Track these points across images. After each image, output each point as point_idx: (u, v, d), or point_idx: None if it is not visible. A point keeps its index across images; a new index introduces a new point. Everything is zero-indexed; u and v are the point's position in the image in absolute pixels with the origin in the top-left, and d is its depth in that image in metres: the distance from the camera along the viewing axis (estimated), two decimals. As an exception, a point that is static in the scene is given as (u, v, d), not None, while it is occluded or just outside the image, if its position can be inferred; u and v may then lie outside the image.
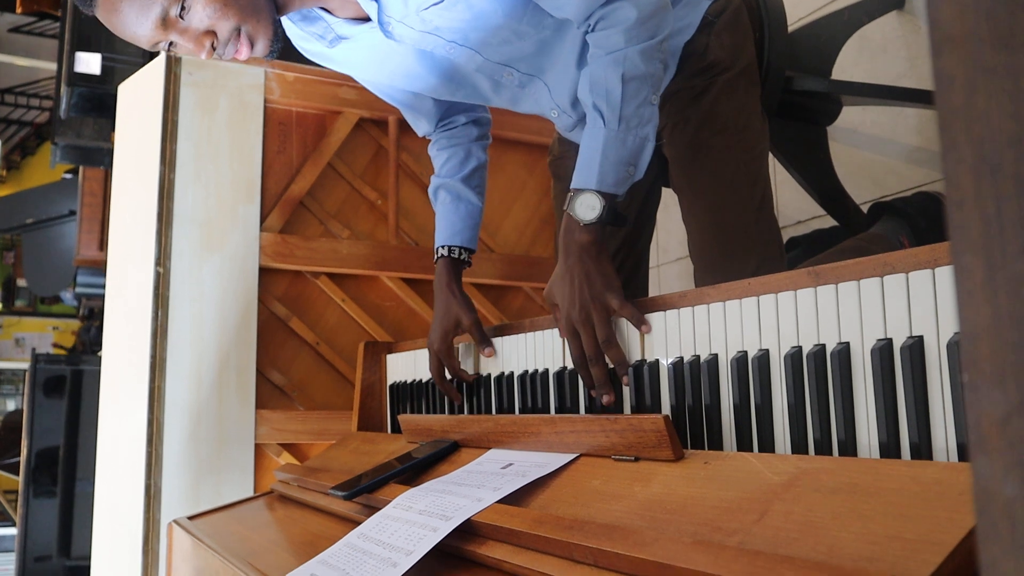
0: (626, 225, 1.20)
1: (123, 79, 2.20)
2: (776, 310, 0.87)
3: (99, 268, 4.87)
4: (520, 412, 1.28)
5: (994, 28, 0.27)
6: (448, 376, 1.45)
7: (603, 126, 1.12)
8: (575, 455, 0.93)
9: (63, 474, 3.82)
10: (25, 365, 5.76)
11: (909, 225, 1.67)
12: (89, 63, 3.48)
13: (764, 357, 0.87)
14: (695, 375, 0.95)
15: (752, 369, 0.88)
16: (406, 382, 1.65)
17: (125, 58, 3.51)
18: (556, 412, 1.20)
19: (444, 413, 1.49)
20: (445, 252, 1.50)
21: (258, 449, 1.98)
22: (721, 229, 1.31)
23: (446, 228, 1.52)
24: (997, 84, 0.27)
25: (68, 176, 5.92)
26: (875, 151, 2.01)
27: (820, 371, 0.81)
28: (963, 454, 0.69)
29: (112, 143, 2.78)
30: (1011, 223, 0.27)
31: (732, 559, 0.57)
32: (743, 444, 0.89)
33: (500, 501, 0.86)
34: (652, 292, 1.53)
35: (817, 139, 1.81)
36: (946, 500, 0.56)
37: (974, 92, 0.28)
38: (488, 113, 1.61)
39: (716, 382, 0.93)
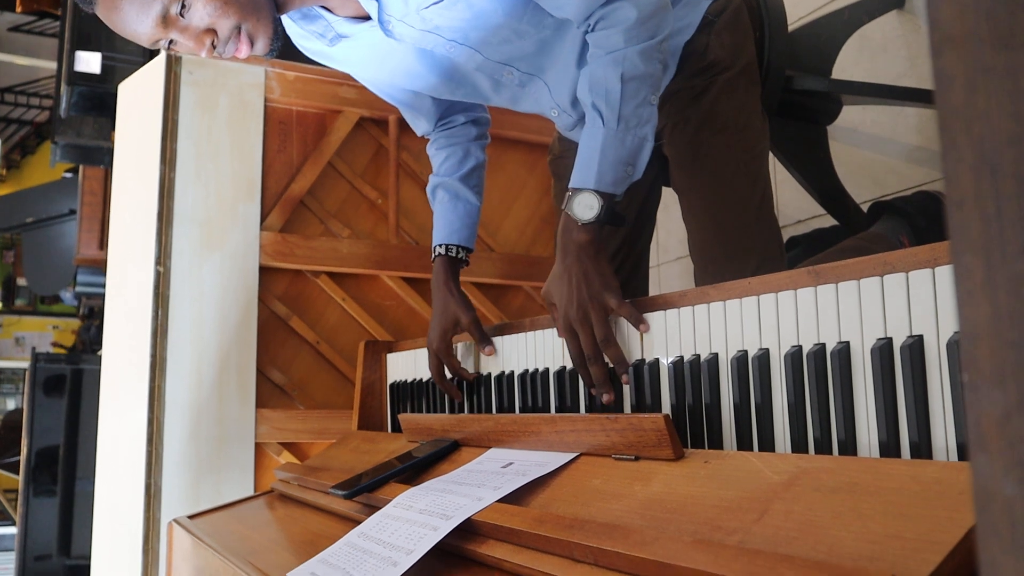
0: (624, 225, 1.20)
1: (123, 78, 2.20)
2: (776, 309, 0.87)
3: (99, 267, 4.87)
4: (520, 411, 1.28)
5: (994, 28, 0.27)
6: (448, 375, 1.45)
7: (602, 126, 1.12)
8: (575, 454, 0.93)
9: (63, 473, 3.82)
10: (25, 364, 5.76)
11: (909, 224, 1.67)
12: (89, 62, 3.48)
13: (764, 356, 0.87)
14: (695, 374, 0.95)
15: (752, 368, 0.88)
16: (406, 381, 1.65)
17: (125, 57, 3.51)
18: (556, 411, 1.20)
19: (444, 412, 1.49)
20: (443, 251, 1.50)
21: (258, 448, 1.98)
22: (721, 228, 1.31)
23: (444, 227, 1.52)
24: (997, 84, 0.27)
25: (68, 175, 5.92)
26: (875, 150, 2.01)
27: (820, 370, 0.81)
28: (963, 453, 0.69)
29: (112, 142, 2.78)
30: (1011, 223, 0.27)
31: (732, 558, 0.57)
32: (743, 443, 0.89)
33: (500, 500, 0.86)
34: (652, 291, 1.53)
35: (817, 138, 1.81)
36: (946, 499, 0.56)
37: (974, 92, 0.28)
38: (487, 113, 1.61)
39: (716, 381, 0.93)
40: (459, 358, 1.46)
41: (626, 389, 1.07)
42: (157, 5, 1.12)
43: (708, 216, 1.32)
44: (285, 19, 1.30)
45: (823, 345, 0.81)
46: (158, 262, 1.91)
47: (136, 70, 2.15)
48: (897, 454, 0.74)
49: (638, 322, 1.04)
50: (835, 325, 0.80)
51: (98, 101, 3.56)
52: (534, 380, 1.24)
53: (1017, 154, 0.27)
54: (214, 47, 1.16)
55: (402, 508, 0.95)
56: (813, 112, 1.75)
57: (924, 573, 0.50)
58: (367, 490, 1.09)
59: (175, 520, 1.49)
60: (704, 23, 1.33)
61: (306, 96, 2.16)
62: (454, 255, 1.50)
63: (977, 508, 0.28)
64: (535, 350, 1.27)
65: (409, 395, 1.63)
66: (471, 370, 1.42)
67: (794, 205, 2.19)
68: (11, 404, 8.95)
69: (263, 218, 2.07)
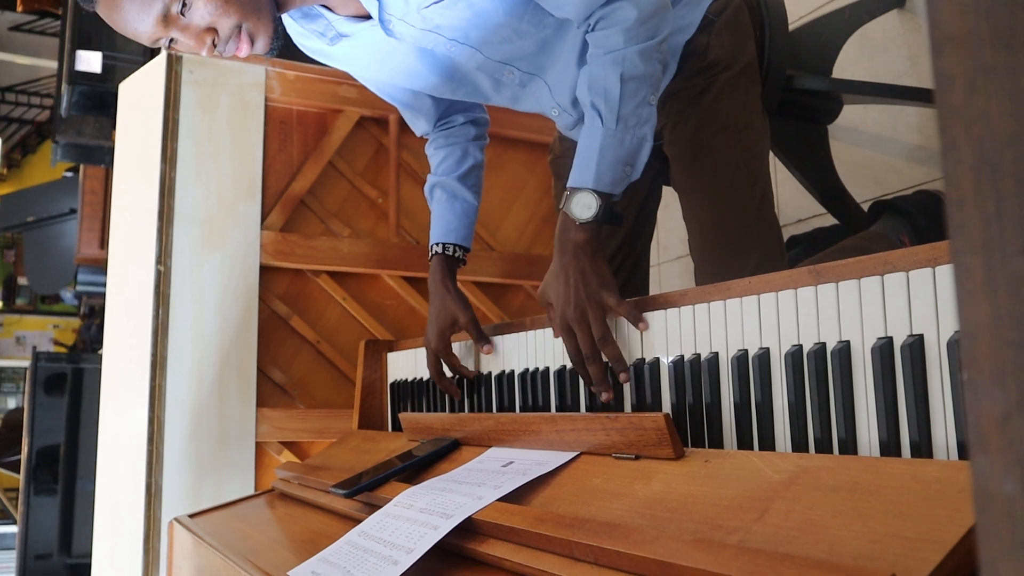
0: (622, 224, 1.20)
1: (124, 77, 2.20)
2: (777, 309, 0.87)
3: (100, 266, 4.87)
4: (521, 410, 1.28)
5: (994, 28, 0.27)
6: (448, 373, 1.45)
7: (601, 125, 1.12)
8: (576, 453, 0.93)
9: (64, 472, 3.82)
10: (26, 363, 5.77)
11: (910, 224, 1.67)
12: (90, 61, 3.48)
13: (765, 355, 0.87)
14: (696, 373, 0.95)
15: (753, 367, 0.88)
16: (407, 380, 1.65)
17: (126, 56, 3.51)
18: (557, 410, 1.20)
19: (445, 411, 1.49)
20: (440, 249, 1.50)
21: (259, 447, 1.98)
22: (722, 228, 1.31)
23: (441, 226, 1.52)
24: (997, 84, 0.27)
25: (69, 174, 5.92)
26: (876, 149, 2.01)
27: (821, 369, 0.81)
28: (963, 452, 0.69)
29: (113, 141, 2.78)
30: (1011, 222, 0.27)
31: (732, 557, 0.57)
32: (744, 442, 0.89)
33: (501, 499, 0.86)
34: (653, 290, 1.54)
35: (818, 137, 1.81)
36: (946, 498, 0.56)
37: (974, 92, 0.28)
38: (486, 114, 1.61)
39: (717, 380, 0.93)
40: (459, 358, 1.46)
41: (626, 388, 1.07)
42: (158, 4, 1.12)
43: (708, 215, 1.32)
44: (285, 18, 1.30)
45: (823, 344, 0.81)
46: (159, 261, 1.91)
47: (137, 69, 2.15)
48: (897, 453, 0.74)
49: (637, 320, 1.04)
50: (835, 324, 0.80)
51: (99, 100, 3.56)
52: (534, 379, 1.24)
53: (1017, 154, 0.27)
54: (215, 46, 1.16)
55: (402, 507, 0.95)
56: (814, 111, 1.75)
57: (924, 572, 0.50)
58: (367, 489, 1.09)
59: (176, 519, 1.49)
60: (705, 22, 1.33)
61: (307, 95, 2.16)
62: (451, 254, 1.50)
63: (977, 507, 0.28)
64: (535, 349, 1.27)
65: (409, 394, 1.63)
66: (471, 369, 1.42)
67: (794, 204, 2.19)
68: (12, 403, 8.95)
69: (264, 217, 2.07)
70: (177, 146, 1.97)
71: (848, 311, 0.79)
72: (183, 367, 1.90)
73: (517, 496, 0.89)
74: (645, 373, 1.03)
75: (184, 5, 1.13)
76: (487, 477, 0.96)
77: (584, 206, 1.11)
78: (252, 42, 1.19)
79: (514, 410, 1.30)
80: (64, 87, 3.59)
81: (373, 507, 1.03)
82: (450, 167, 1.55)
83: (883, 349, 0.75)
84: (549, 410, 1.21)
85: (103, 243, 4.82)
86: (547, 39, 1.27)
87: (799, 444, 0.83)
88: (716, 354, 0.93)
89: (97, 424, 2.05)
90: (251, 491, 1.91)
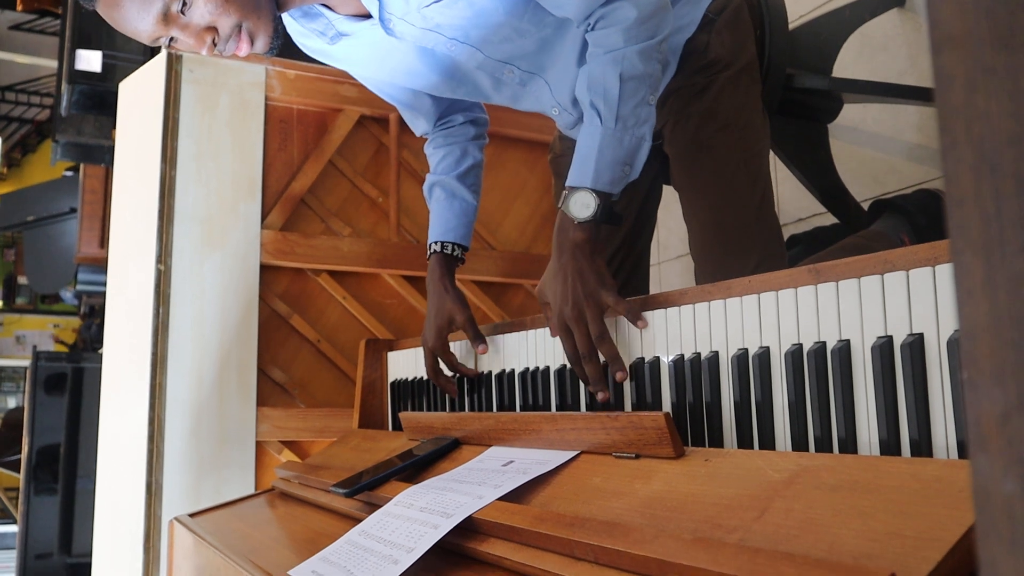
0: (620, 224, 1.20)
1: (124, 77, 2.20)
2: (777, 308, 0.87)
3: (100, 265, 4.87)
4: (521, 409, 1.28)
5: (994, 27, 0.27)
6: (448, 372, 1.45)
7: (600, 125, 1.12)
8: (576, 452, 0.94)
9: (64, 471, 3.82)
10: (26, 363, 5.77)
11: (910, 223, 1.68)
12: (90, 61, 3.48)
13: (765, 355, 0.87)
14: (696, 372, 0.96)
15: (753, 366, 0.88)
16: (407, 379, 1.65)
17: (126, 56, 3.51)
18: (557, 409, 1.20)
19: (445, 410, 1.49)
20: (438, 248, 1.50)
21: (259, 446, 1.98)
22: (722, 227, 1.31)
23: (440, 224, 1.52)
24: (997, 83, 0.27)
25: (69, 174, 5.92)
26: (876, 149, 2.01)
27: (821, 368, 0.81)
28: (963, 451, 0.69)
29: (113, 140, 2.78)
30: (1010, 222, 0.27)
31: (732, 556, 0.57)
32: (744, 441, 0.89)
33: (501, 498, 0.86)
34: (653, 289, 1.53)
35: (818, 137, 1.81)
36: (946, 497, 0.56)
37: (974, 91, 0.28)
38: (485, 113, 1.61)
39: (717, 379, 0.93)
40: (460, 357, 1.46)
41: (626, 387, 1.07)
42: (158, 3, 1.12)
43: (709, 214, 1.32)
44: (285, 17, 1.30)
45: (823, 343, 0.81)
46: (159, 260, 1.91)
47: (137, 68, 2.15)
48: (897, 452, 0.74)
49: (636, 318, 1.04)
50: (836, 323, 0.80)
51: (99, 99, 3.57)
52: (535, 378, 1.25)
53: (1017, 153, 0.27)
54: (215, 45, 1.16)
55: (403, 506, 0.95)
56: (814, 110, 1.75)
57: (924, 571, 0.50)
58: (368, 488, 1.09)
59: (176, 518, 1.49)
60: (705, 21, 1.33)
61: (307, 94, 2.16)
62: (450, 253, 1.50)
63: (977, 506, 0.28)
64: (536, 348, 1.27)
65: (410, 393, 1.63)
66: (472, 368, 1.43)
67: (795, 203, 2.19)
68: (12, 402, 8.96)
69: (264, 216, 2.07)
70: (177, 145, 1.97)
71: (848, 310, 0.79)
72: (183, 366, 1.90)
73: (517, 495, 0.89)
74: (645, 372, 1.03)
75: (184, 4, 1.13)
76: (487, 476, 0.96)
77: (582, 205, 1.11)
78: (252, 41, 1.19)
79: (514, 409, 1.30)
80: (64, 86, 3.59)
81: (373, 506, 1.03)
82: (449, 166, 1.55)
83: (883, 348, 0.75)
84: (549, 409, 1.21)
85: (103, 242, 4.82)
86: (547, 38, 1.27)
87: (799, 443, 0.83)
88: (716, 353, 0.93)
89: (97, 423, 2.06)
90: (251, 490, 1.91)
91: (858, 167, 2.02)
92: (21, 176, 8.96)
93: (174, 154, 1.96)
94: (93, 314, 6.21)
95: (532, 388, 1.25)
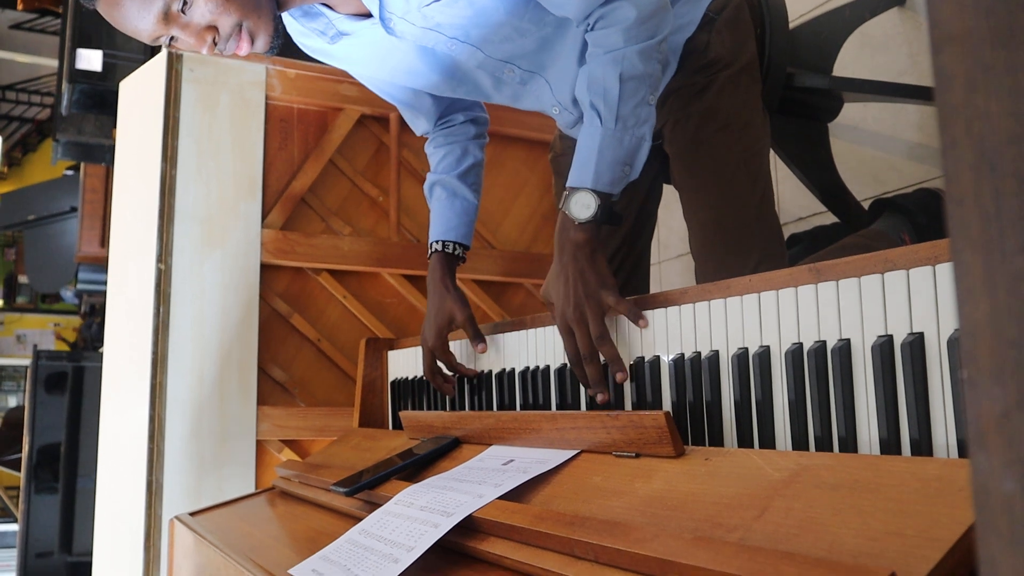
0: (621, 223, 1.20)
1: (124, 76, 2.20)
2: (777, 307, 0.87)
3: (100, 264, 4.87)
4: (521, 408, 1.28)
5: (994, 26, 0.27)
6: (448, 372, 1.45)
7: (600, 125, 1.12)
8: (576, 451, 0.94)
9: (64, 470, 3.83)
10: (26, 362, 5.77)
11: (910, 222, 1.67)
12: (90, 60, 3.48)
13: (765, 354, 0.87)
14: (696, 371, 0.96)
15: (753, 365, 0.88)
16: (407, 378, 1.65)
17: (126, 55, 3.51)
18: (557, 408, 1.20)
19: (445, 409, 1.49)
20: (439, 247, 1.50)
21: (259, 445, 1.98)
22: (722, 226, 1.31)
23: (441, 224, 1.52)
24: (997, 82, 0.27)
25: (69, 173, 5.92)
26: (876, 148, 2.01)
27: (821, 367, 0.81)
28: (963, 450, 0.69)
29: (113, 140, 2.78)
30: (1010, 220, 0.27)
31: (732, 555, 0.57)
32: (744, 440, 0.89)
33: (501, 497, 0.86)
34: (653, 289, 1.53)
35: (818, 136, 1.81)
36: (946, 496, 0.56)
37: (974, 90, 0.28)
38: (486, 112, 1.61)
39: (717, 378, 0.93)
40: (460, 356, 1.46)
41: (627, 386, 1.07)
42: (159, 2, 1.12)
43: (709, 213, 1.32)
44: (285, 16, 1.30)
45: (824, 342, 0.81)
46: (159, 259, 1.91)
47: (137, 68, 2.15)
48: (897, 451, 0.74)
49: (637, 318, 1.04)
50: (836, 322, 0.80)
51: (99, 99, 3.57)
52: (535, 377, 1.25)
53: (1017, 152, 0.27)
54: (215, 44, 1.16)
55: (403, 505, 0.95)
56: (814, 109, 1.75)
57: (924, 570, 0.50)
58: (368, 487, 1.09)
59: (176, 517, 1.49)
60: (705, 20, 1.33)
61: (307, 94, 2.16)
62: (451, 252, 1.50)
63: (976, 505, 0.28)
64: (536, 347, 1.27)
65: (410, 392, 1.63)
66: (472, 367, 1.43)
67: (795, 202, 2.19)
68: (12, 401, 8.96)
69: (264, 216, 2.07)
70: (178, 144, 1.97)
71: (848, 309, 0.79)
72: (184, 365, 1.90)
73: (517, 494, 0.89)
74: (645, 371, 1.03)
75: (185, 3, 1.13)
76: (487, 475, 0.96)
77: (583, 206, 1.11)
78: (252, 40, 1.19)
79: (514, 408, 1.30)
80: (65, 85, 3.59)
81: (374, 505, 1.04)
82: (450, 165, 1.55)
83: (883, 347, 0.75)
84: (549, 408, 1.21)
85: (104, 241, 4.82)
86: (548, 37, 1.27)
87: (799, 442, 0.83)
88: (716, 352, 0.93)
89: (98, 422, 2.06)
90: (252, 489, 1.91)
91: (858, 166, 2.02)
92: (22, 175, 8.97)
93: (174, 153, 1.96)
94: (93, 313, 6.21)
95: (532, 387, 1.25)
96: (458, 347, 1.47)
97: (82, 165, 5.03)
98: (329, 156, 2.18)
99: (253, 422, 1.97)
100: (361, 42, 1.33)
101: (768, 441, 0.86)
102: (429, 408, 1.55)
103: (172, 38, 1.17)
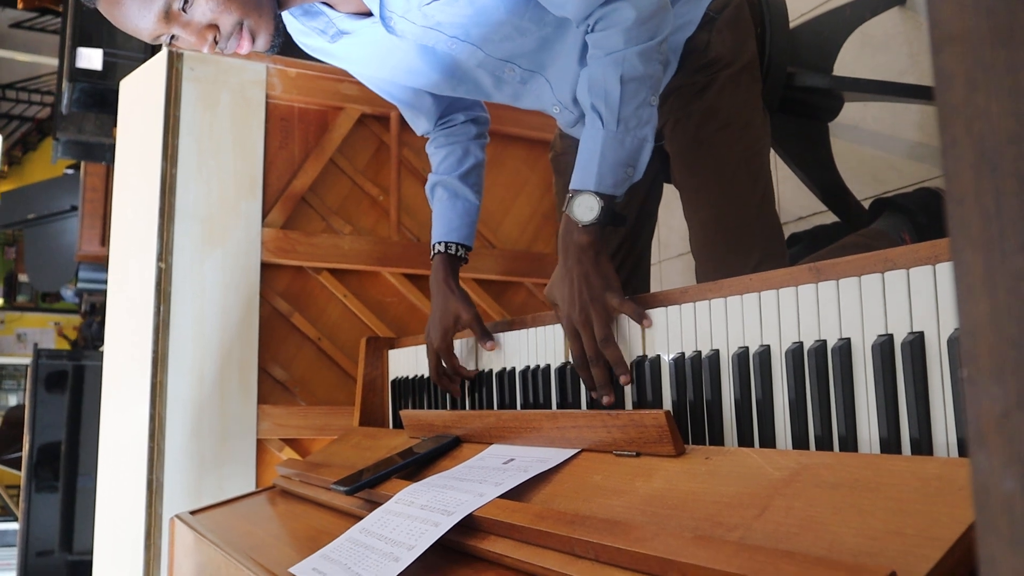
0: (625, 225, 1.20)
1: (125, 75, 2.20)
2: (777, 306, 0.87)
3: (101, 263, 4.87)
4: (522, 407, 1.28)
5: (994, 26, 0.27)
6: (451, 374, 1.45)
7: (601, 127, 1.12)
8: (576, 450, 0.94)
9: (65, 469, 3.83)
10: (27, 360, 5.77)
11: (910, 221, 1.67)
12: (91, 59, 3.48)
13: (765, 353, 0.87)
14: (696, 371, 0.96)
15: (753, 365, 0.88)
16: (408, 377, 1.65)
17: (127, 54, 3.51)
18: (558, 407, 1.20)
19: (446, 408, 1.49)
20: (442, 248, 1.50)
21: (260, 444, 1.98)
22: (722, 225, 1.31)
23: (443, 225, 1.52)
24: (997, 81, 0.27)
25: (70, 171, 5.92)
26: (876, 147, 2.01)
27: (821, 367, 0.81)
28: (963, 450, 0.69)
29: (114, 138, 2.78)
30: (1011, 220, 0.27)
31: (733, 554, 0.57)
32: (744, 439, 0.89)
33: (502, 496, 0.86)
34: (654, 288, 1.54)
35: (819, 135, 1.81)
36: (946, 495, 0.56)
37: (974, 90, 0.28)
38: (486, 112, 1.61)
39: (717, 378, 0.93)
40: (460, 356, 1.46)
41: (627, 385, 1.07)
42: (160, 0, 1.12)
43: (710, 213, 1.32)
44: (286, 15, 1.30)
45: (824, 342, 0.81)
46: (160, 258, 1.91)
47: (138, 66, 2.15)
48: (898, 450, 0.74)
49: (641, 318, 1.04)
50: (836, 322, 0.81)
51: (100, 97, 3.57)
52: (535, 376, 1.25)
53: (1017, 152, 0.27)
54: (216, 43, 1.16)
55: (403, 504, 0.95)
56: (814, 109, 1.75)
57: (924, 569, 0.50)
58: (368, 486, 1.09)
59: (177, 516, 1.49)
60: (705, 20, 1.33)
61: (308, 93, 2.16)
62: (453, 253, 1.50)
63: (976, 504, 0.28)
64: (536, 346, 1.27)
65: (411, 391, 1.63)
66: (472, 367, 1.43)
67: (795, 202, 2.19)
68: (13, 400, 8.97)
69: (265, 215, 2.07)
70: (178, 143, 1.97)
71: (849, 308, 0.79)
72: (184, 364, 1.90)
73: (518, 493, 0.89)
74: (646, 370, 1.03)
75: (186, 2, 1.13)
76: (488, 474, 0.96)
77: (586, 208, 1.11)
78: (253, 39, 1.19)
79: (515, 407, 1.30)
80: (65, 84, 3.59)
81: (374, 504, 1.04)
82: (451, 166, 1.55)
83: (883, 346, 0.75)
84: (550, 407, 1.21)
85: (104, 240, 4.82)
86: (548, 36, 1.27)
87: (799, 441, 0.83)
88: (717, 351, 0.93)
89: (98, 421, 2.06)
90: (252, 488, 1.92)
91: (859, 165, 2.02)
92: (22, 174, 8.97)
93: (175, 152, 1.96)
94: (94, 312, 6.22)
95: (533, 386, 1.25)
96: (458, 347, 1.47)
97: (82, 164, 5.03)
98: (330, 155, 2.18)
99: (253, 421, 1.97)
100: (361, 41, 1.33)
101: (768, 440, 0.86)
102: (429, 407, 1.56)
103: (173, 37, 1.16)
